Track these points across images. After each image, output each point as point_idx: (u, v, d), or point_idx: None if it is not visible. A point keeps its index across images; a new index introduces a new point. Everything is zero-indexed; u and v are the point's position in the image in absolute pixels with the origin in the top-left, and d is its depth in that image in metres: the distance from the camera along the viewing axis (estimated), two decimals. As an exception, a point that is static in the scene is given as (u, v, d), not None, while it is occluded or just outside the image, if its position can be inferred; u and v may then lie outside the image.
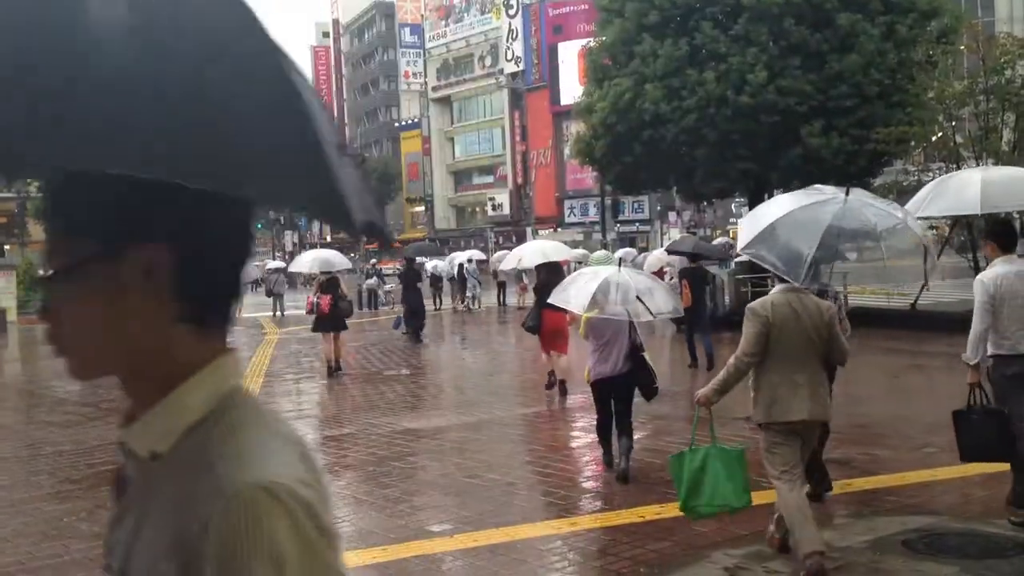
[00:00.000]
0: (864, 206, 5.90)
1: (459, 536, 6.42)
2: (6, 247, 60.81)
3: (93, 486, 8.42)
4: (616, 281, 7.77)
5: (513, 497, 7.41)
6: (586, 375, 8.46)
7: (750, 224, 6.06)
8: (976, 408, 6.19)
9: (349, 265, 20.21)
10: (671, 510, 6.74)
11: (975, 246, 17.99)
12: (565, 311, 10.80)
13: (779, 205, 6.20)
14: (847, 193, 5.79)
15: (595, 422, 8.52)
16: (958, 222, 18.69)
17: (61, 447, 10.34)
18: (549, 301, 8.99)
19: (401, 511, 7.10)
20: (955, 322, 17.80)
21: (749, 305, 5.60)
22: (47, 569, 6.03)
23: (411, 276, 21.92)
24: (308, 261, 18.85)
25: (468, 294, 32.04)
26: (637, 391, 8.20)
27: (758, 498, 6.89)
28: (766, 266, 5.69)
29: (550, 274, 12.72)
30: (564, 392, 12.29)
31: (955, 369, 13.53)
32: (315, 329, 16.05)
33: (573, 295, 8.13)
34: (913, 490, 7.04)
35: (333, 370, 15.47)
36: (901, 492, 6.97)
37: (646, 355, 8.20)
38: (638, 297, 7.68)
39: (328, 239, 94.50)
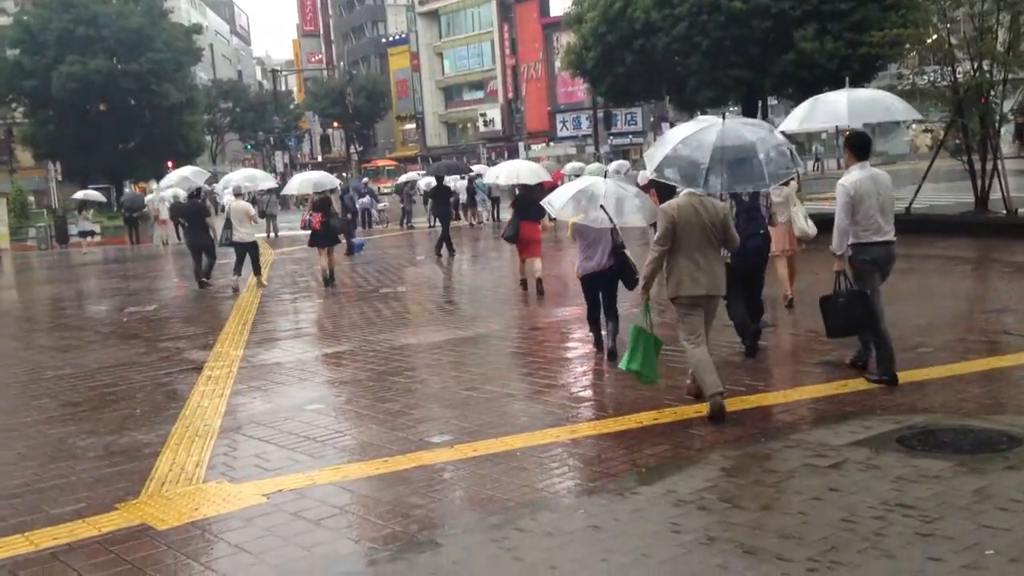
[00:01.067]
0: (740, 126, 7.16)
1: (459, 446, 6.50)
2: (-6, 174, 60.32)
3: (95, 408, 8.50)
4: (593, 190, 8.65)
5: (511, 408, 7.48)
6: (576, 271, 9.38)
7: (654, 153, 7.34)
8: (842, 291, 7.32)
9: (336, 184, 20.98)
10: (667, 416, 6.84)
11: (970, 149, 17.88)
12: (538, 223, 13.44)
13: (674, 134, 7.50)
14: (723, 118, 7.07)
15: (588, 324, 9.54)
16: (952, 125, 18.56)
17: (61, 371, 10.40)
18: (542, 203, 10.03)
19: (401, 424, 7.17)
20: (950, 225, 17.88)
21: (661, 206, 7.03)
22: (54, 490, 6.11)
23: (442, 193, 22.85)
24: (297, 184, 20.05)
25: (479, 209, 31.96)
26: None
27: (743, 403, 7.00)
28: (670, 183, 7.25)
29: (526, 190, 14.50)
30: (541, 292, 13.51)
31: (949, 272, 13.63)
32: (311, 244, 17.53)
33: (556, 199, 9.12)
34: (907, 389, 7.11)
35: (328, 281, 16.72)
36: (895, 391, 7.04)
37: (627, 252, 9.07)
38: (601, 206, 8.43)
39: (319, 159, 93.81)
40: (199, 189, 19.36)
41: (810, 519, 4.76)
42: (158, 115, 52.81)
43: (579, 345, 10.25)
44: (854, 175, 7.28)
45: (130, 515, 5.48)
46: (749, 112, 24.82)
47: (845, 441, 5.94)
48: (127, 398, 8.82)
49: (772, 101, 36.88)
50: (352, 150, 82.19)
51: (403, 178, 38.85)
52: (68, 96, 48.67)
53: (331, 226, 17.03)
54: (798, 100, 27.17)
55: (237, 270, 17.16)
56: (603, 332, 9.25)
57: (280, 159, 78.55)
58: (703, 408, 6.77)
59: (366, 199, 35.56)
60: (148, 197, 33.47)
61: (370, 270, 19.37)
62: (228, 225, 17.08)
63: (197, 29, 61.74)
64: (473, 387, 8.22)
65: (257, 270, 17.22)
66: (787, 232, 10.61)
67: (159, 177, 58.78)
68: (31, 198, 48.37)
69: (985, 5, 17.35)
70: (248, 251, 16.95)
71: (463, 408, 7.53)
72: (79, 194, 35.13)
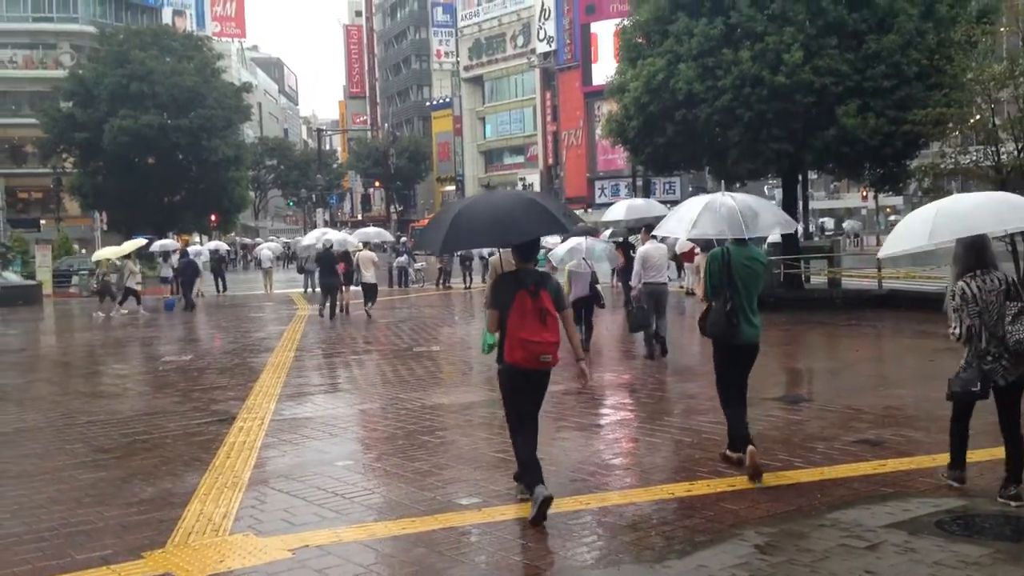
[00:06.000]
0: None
1: (487, 510, 6.44)
2: (42, 222, 61.60)
3: (126, 455, 8.53)
4: (579, 247, 14.34)
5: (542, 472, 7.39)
6: (570, 299, 13.60)
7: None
8: (637, 306, 13.76)
9: (354, 241, 26.82)
10: (701, 488, 6.73)
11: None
12: None
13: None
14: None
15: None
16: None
17: (95, 417, 10.47)
18: (548, 256, 15.56)
19: (430, 484, 7.12)
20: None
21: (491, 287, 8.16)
22: (81, 535, 6.11)
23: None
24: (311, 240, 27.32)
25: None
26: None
27: (778, 479, 6.90)
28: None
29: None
30: None
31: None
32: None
33: (556, 254, 14.97)
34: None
35: (344, 310, 22.79)
36: (935, 473, 6.88)
37: (598, 286, 14.75)
38: (584, 258, 14.29)
39: (360, 217, 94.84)
40: (331, 243, 24.66)
41: (845, 601, 4.63)
42: (205, 170, 53.77)
43: (612, 412, 10.19)
44: (647, 246, 13.92)
45: (155, 564, 5.46)
46: (789, 185, 24.78)
47: (882, 523, 5.81)
48: (158, 446, 8.85)
49: (812, 175, 36.85)
50: (392, 209, 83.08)
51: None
52: (118, 149, 49.73)
53: (349, 272, 23.35)
54: (839, 175, 27.08)
55: (366, 303, 22.12)
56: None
57: (321, 216, 79.51)
58: (736, 482, 6.67)
59: (403, 258, 35.80)
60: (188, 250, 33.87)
61: (404, 328, 19.42)
62: (357, 269, 23.05)
63: (247, 88, 63.12)
64: (503, 450, 8.14)
65: (372, 303, 22.24)
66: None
67: (202, 230, 60.24)
68: (76, 246, 49.24)
69: (1030, 86, 17.33)
70: (371, 289, 22.36)
71: (493, 471, 7.46)
72: (157, 245, 35.64)
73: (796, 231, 25.23)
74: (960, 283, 6.31)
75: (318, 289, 31.50)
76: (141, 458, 8.37)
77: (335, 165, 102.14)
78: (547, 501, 5.98)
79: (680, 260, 24.54)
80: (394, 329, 19.44)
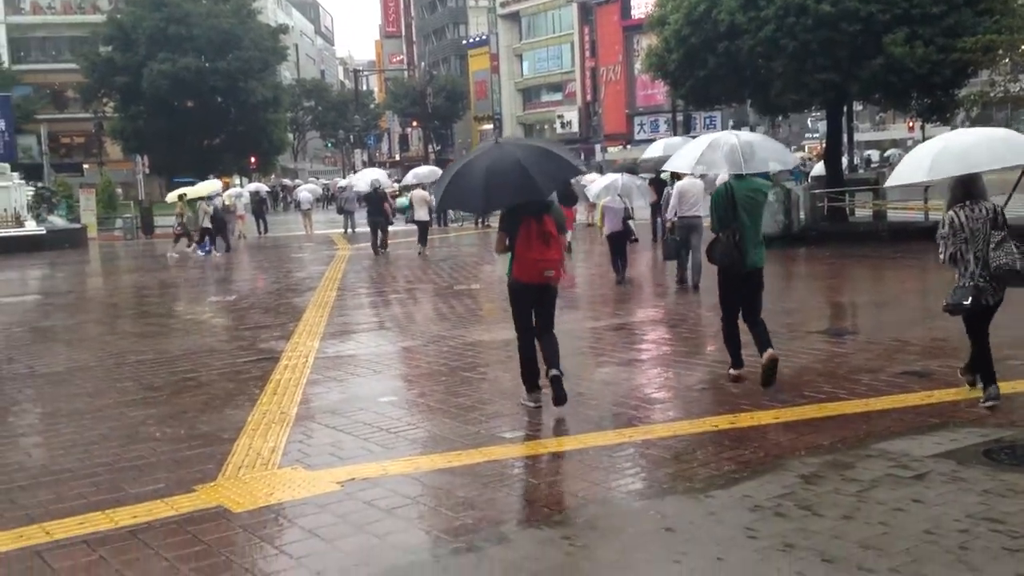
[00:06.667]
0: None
1: (531, 443, 6.49)
2: (85, 166, 62.29)
3: (175, 393, 8.67)
4: (613, 184, 15.57)
5: (583, 407, 7.40)
6: (603, 234, 16.27)
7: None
8: (671, 237, 14.34)
9: (388, 182, 29.38)
10: (744, 420, 6.72)
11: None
12: (572, 207, 16.92)
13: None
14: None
15: (612, 265, 15.43)
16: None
17: (143, 356, 10.64)
18: (585, 191, 17.73)
19: (473, 418, 7.17)
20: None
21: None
22: (133, 470, 6.23)
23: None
24: (361, 180, 27.98)
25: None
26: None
27: (822, 410, 6.86)
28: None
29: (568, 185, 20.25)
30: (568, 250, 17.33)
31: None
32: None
33: (593, 189, 16.98)
34: (996, 402, 6.86)
35: (383, 246, 23.50)
36: (980, 404, 6.80)
37: (631, 221, 15.49)
38: (618, 195, 15.35)
39: (398, 157, 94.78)
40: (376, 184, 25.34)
41: (892, 530, 4.61)
42: (243, 112, 53.90)
43: (653, 346, 10.17)
44: (683, 182, 13.94)
45: (207, 497, 5.57)
46: (834, 116, 24.29)
47: (929, 453, 5.76)
48: (207, 384, 8.99)
49: (857, 107, 36.08)
50: (430, 149, 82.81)
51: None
52: (158, 92, 49.96)
53: (387, 212, 24.40)
54: (885, 106, 26.44)
55: (421, 241, 22.79)
56: (620, 269, 15.18)
57: (359, 157, 79.56)
58: (781, 414, 6.64)
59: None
60: (226, 192, 34.01)
61: (445, 267, 19.47)
62: (410, 206, 24.58)
63: (284, 29, 62.79)
64: (545, 385, 8.16)
65: (423, 243, 22.82)
66: None
67: (242, 172, 60.55)
68: (119, 190, 49.75)
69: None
70: (424, 227, 23.19)
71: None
72: (206, 191, 35.76)
73: (842, 164, 24.87)
74: (950, 212, 6.83)
75: (358, 230, 31.98)
76: (190, 395, 8.51)
77: (372, 106, 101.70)
78: (556, 378, 7.08)
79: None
80: (434, 267, 19.49)
